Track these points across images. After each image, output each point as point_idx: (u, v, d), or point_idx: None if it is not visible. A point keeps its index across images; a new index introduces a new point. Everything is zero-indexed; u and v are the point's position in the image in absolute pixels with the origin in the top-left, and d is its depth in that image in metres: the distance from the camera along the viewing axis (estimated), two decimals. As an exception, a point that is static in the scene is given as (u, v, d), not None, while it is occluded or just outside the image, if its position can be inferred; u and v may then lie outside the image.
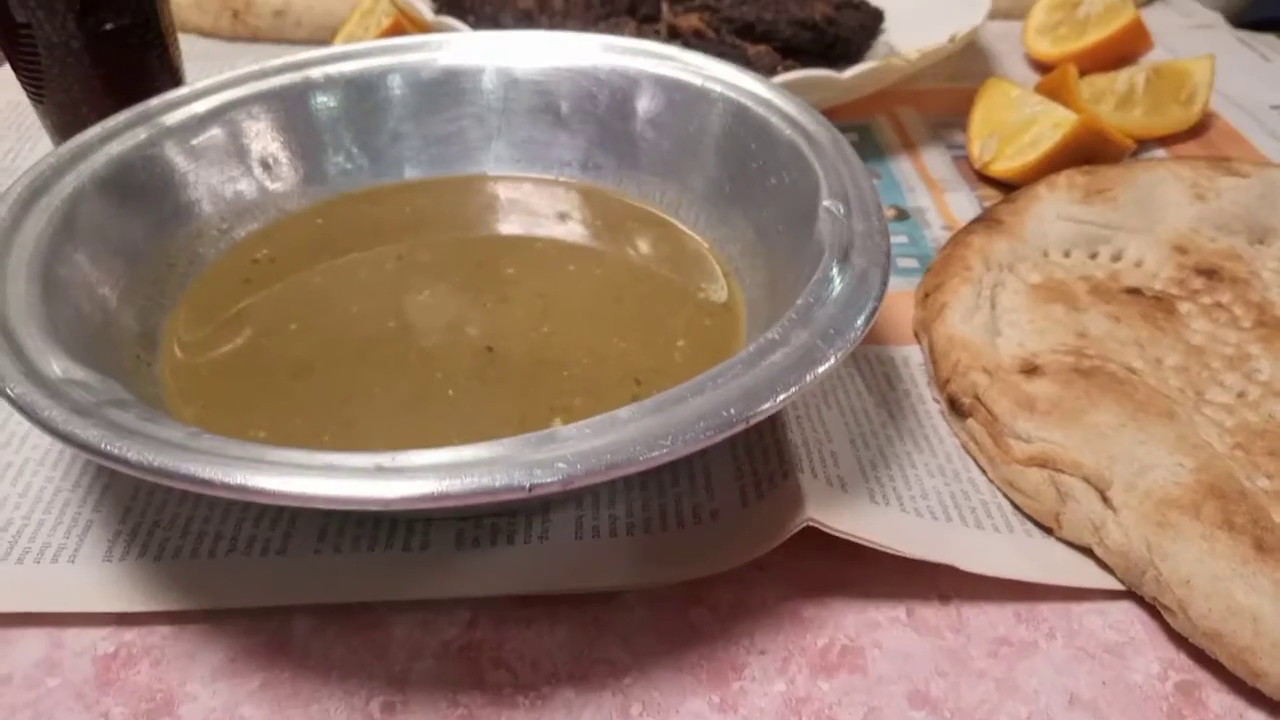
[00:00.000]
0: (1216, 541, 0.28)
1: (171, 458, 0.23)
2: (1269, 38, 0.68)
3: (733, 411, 0.25)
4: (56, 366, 0.27)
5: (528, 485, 0.23)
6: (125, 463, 0.23)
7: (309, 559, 0.30)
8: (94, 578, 0.29)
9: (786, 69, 0.51)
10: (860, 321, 0.28)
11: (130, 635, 0.28)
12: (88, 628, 0.29)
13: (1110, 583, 0.30)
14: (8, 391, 0.25)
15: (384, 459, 0.24)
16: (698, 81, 0.41)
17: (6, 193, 0.33)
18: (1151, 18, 0.69)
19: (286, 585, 0.29)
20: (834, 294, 0.29)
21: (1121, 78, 0.52)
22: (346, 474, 0.23)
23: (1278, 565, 0.28)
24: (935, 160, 0.51)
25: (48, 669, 0.28)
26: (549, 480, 0.23)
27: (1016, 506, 0.32)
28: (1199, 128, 0.54)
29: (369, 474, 0.23)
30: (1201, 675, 0.28)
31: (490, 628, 0.29)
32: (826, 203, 0.33)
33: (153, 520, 0.31)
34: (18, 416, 0.33)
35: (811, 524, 0.29)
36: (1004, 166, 0.47)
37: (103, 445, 0.23)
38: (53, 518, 0.31)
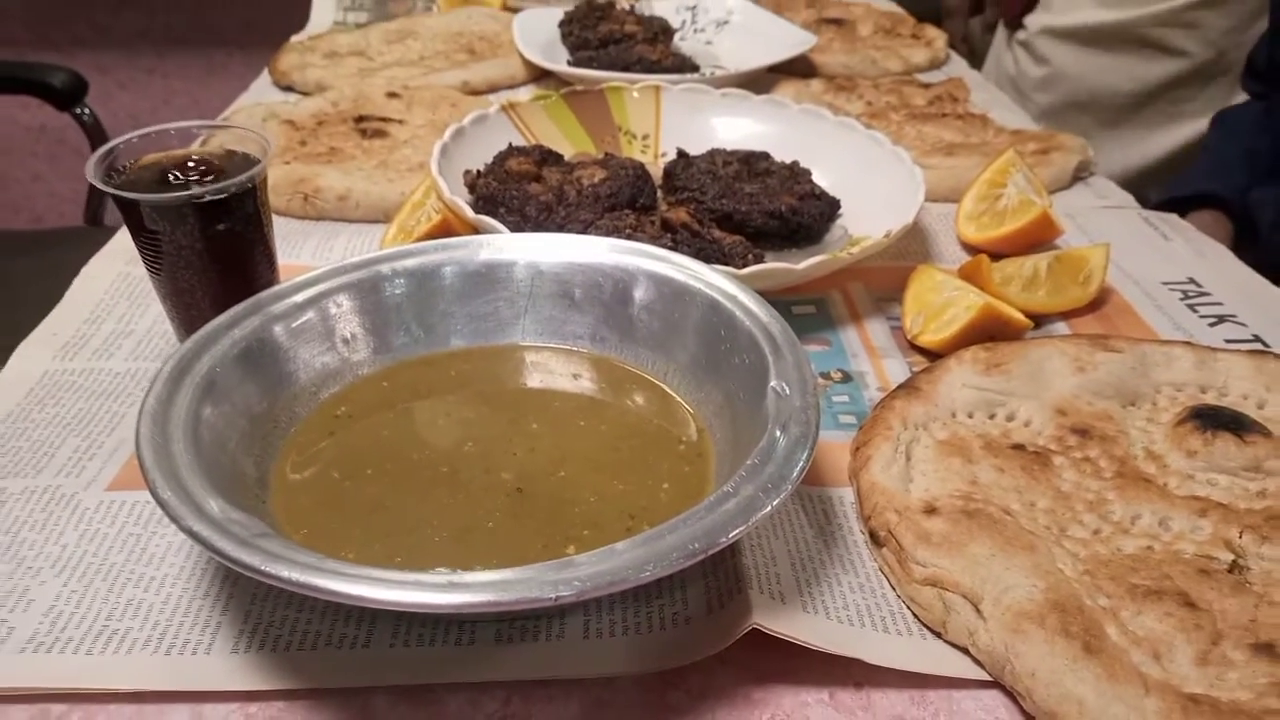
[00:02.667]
0: (1055, 645, 0.39)
1: (312, 577, 0.33)
2: (1172, 218, 0.81)
3: (697, 545, 0.36)
4: (215, 507, 0.38)
5: (554, 597, 0.33)
6: (280, 580, 0.33)
7: (385, 651, 0.40)
8: (224, 665, 0.40)
9: (756, 257, 0.64)
10: (793, 477, 0.39)
11: (254, 709, 0.39)
12: (221, 703, 0.39)
13: (981, 675, 0.40)
14: (190, 528, 0.36)
15: (452, 577, 0.34)
16: (682, 278, 0.53)
17: (160, 372, 0.44)
18: (1070, 198, 0.82)
19: (369, 671, 0.40)
20: (775, 455, 0.40)
21: (1028, 264, 0.64)
22: (429, 588, 0.33)
23: (1099, 663, 0.38)
24: (877, 330, 0.63)
25: (192, 733, 0.38)
26: (568, 594, 0.33)
27: (915, 615, 0.42)
28: (1096, 303, 0.65)
29: (443, 588, 0.34)
30: (1048, 745, 0.38)
31: (521, 703, 0.39)
32: (773, 383, 0.45)
33: (267, 621, 0.41)
34: (155, 540, 0.44)
35: (758, 627, 0.39)
36: (929, 339, 0.59)
37: (263, 567, 0.34)
38: (190, 620, 0.41)
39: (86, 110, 1.66)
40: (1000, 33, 1.60)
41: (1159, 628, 0.40)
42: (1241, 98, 1.26)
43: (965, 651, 0.41)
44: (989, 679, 0.40)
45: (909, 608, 0.43)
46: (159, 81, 2.17)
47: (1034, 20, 1.49)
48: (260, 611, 0.42)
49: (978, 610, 0.41)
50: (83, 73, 1.64)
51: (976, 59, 1.75)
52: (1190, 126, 1.40)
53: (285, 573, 0.34)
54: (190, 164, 0.54)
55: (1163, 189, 1.19)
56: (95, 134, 1.66)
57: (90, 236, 1.65)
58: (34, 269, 1.48)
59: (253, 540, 0.36)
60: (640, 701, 0.39)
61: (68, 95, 1.65)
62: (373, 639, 0.41)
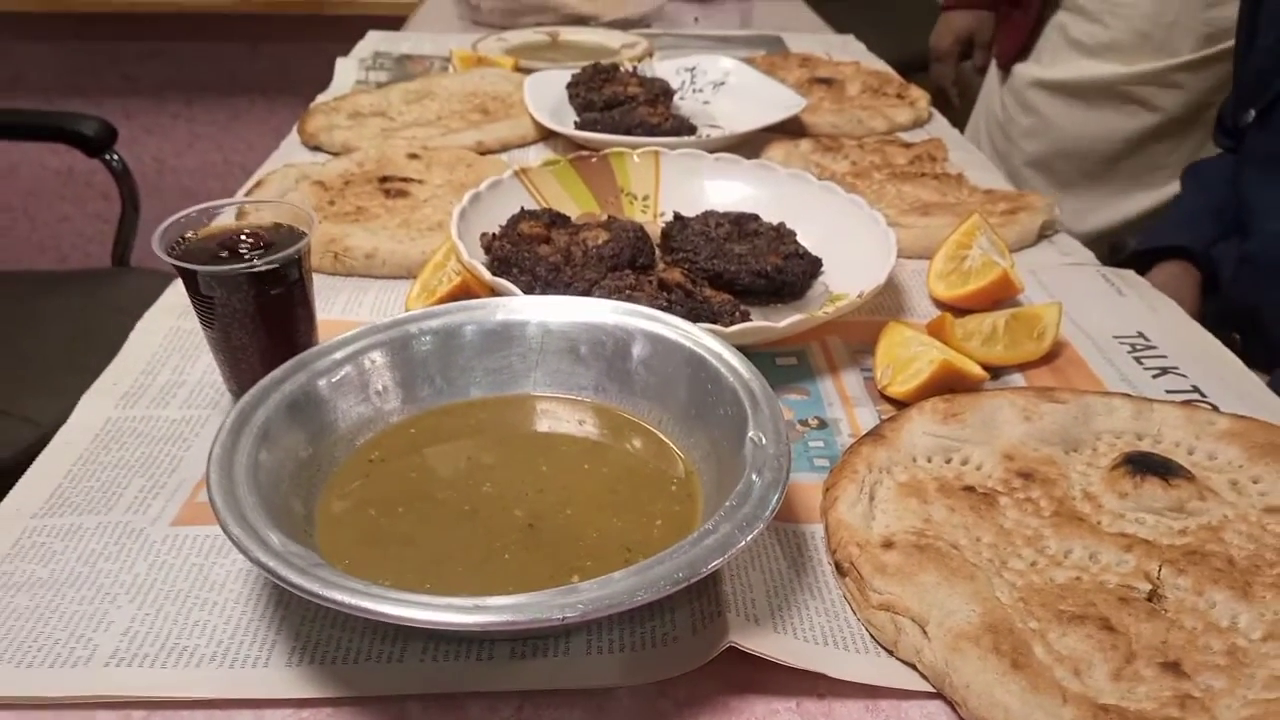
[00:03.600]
0: (987, 661, 0.45)
1: (361, 600, 0.40)
2: (1129, 274, 0.88)
3: (682, 575, 0.43)
4: (276, 541, 0.45)
5: (561, 618, 0.40)
6: (336, 603, 0.40)
7: (416, 664, 0.47)
8: (281, 676, 0.46)
9: (743, 315, 0.71)
10: (765, 516, 0.46)
11: (306, 713, 0.45)
12: (278, 709, 0.45)
13: (926, 687, 0.47)
14: (259, 560, 0.43)
15: (477, 601, 0.41)
16: (674, 337, 0.60)
17: (223, 425, 0.51)
18: (1035, 254, 0.90)
19: (402, 682, 0.46)
20: (750, 497, 0.47)
21: (988, 320, 0.71)
22: (458, 610, 0.40)
23: (1024, 677, 0.44)
24: (851, 380, 0.70)
25: (255, 734, 0.45)
26: (573, 615, 0.40)
27: (872, 636, 0.49)
28: (1051, 355, 0.72)
29: (469, 610, 0.41)
30: (982, 748, 0.45)
31: (532, 710, 0.45)
32: (751, 433, 0.52)
33: (316, 639, 0.48)
34: (216, 569, 0.51)
35: (735, 645, 0.46)
36: (897, 390, 0.66)
37: (323, 592, 0.41)
38: (249, 638, 0.48)
39: (116, 156, 1.74)
40: (992, 75, 1.68)
41: (1081, 647, 0.47)
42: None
43: (913, 667, 0.47)
44: (932, 690, 0.46)
45: (867, 629, 0.49)
46: (184, 127, 2.26)
47: (1023, 71, 1.58)
48: (310, 630, 0.49)
49: (924, 631, 0.47)
50: (110, 119, 1.73)
51: (967, 102, 1.83)
52: (1170, 182, 1.47)
53: (340, 597, 0.41)
54: (243, 236, 0.62)
55: (1136, 240, 1.27)
56: (124, 179, 1.75)
57: (117, 277, 1.74)
58: (63, 308, 1.56)
59: (310, 570, 0.43)
60: (635, 709, 0.46)
61: (98, 143, 1.73)
62: (405, 654, 0.47)
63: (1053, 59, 1.54)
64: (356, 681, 0.46)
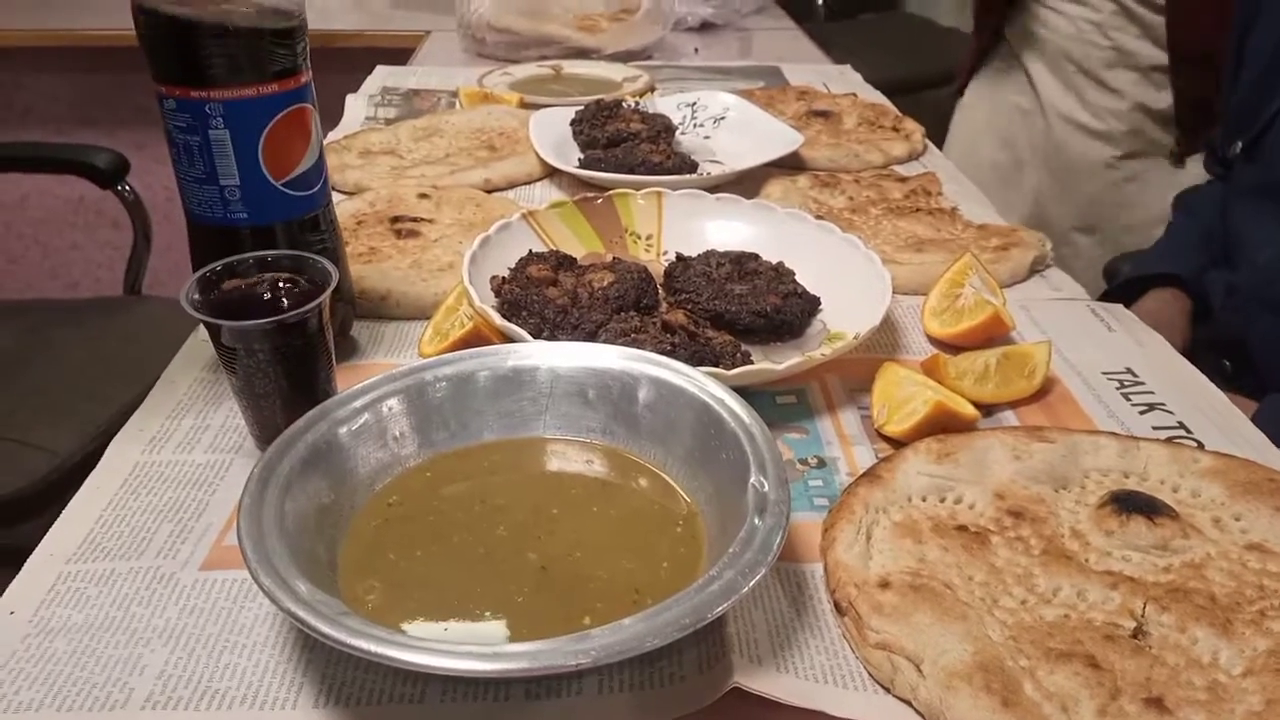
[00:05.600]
0: (979, 699, 0.48)
1: (388, 649, 0.43)
2: (1118, 308, 0.90)
3: (688, 620, 0.45)
4: (304, 589, 0.47)
5: (575, 664, 0.43)
6: (363, 652, 0.43)
7: (437, 705, 0.50)
8: (308, 718, 0.49)
9: (744, 356, 0.73)
10: (767, 561, 0.48)
11: (332, 752, 0.48)
12: (306, 748, 0.48)
13: (922, 723, 0.49)
14: (289, 610, 0.45)
15: (496, 649, 0.44)
16: (679, 382, 0.63)
17: (251, 475, 0.54)
18: (1026, 289, 0.92)
19: (424, 722, 0.49)
20: (753, 544, 0.50)
21: (980, 359, 0.73)
22: (478, 658, 0.43)
23: (1014, 714, 0.47)
24: (849, 419, 0.72)
25: (283, 773, 0.47)
26: (586, 662, 0.43)
27: (869, 674, 0.51)
28: (1041, 392, 0.75)
29: (489, 658, 0.43)
30: (975, 781, 0.47)
31: (547, 748, 0.48)
32: (753, 479, 0.54)
33: (340, 681, 0.51)
34: (244, 613, 0.53)
35: (739, 685, 0.48)
36: (893, 429, 0.69)
37: (350, 641, 0.43)
38: (278, 681, 0.51)
39: (128, 187, 1.77)
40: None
41: (1068, 685, 0.49)
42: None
43: (909, 704, 0.50)
44: (928, 727, 0.49)
45: (865, 667, 0.52)
46: (193, 156, 2.29)
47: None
48: (335, 673, 0.51)
49: (919, 670, 0.50)
50: (122, 150, 1.76)
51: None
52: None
53: (366, 645, 0.43)
54: (265, 288, 0.65)
55: (1128, 268, 1.29)
56: (136, 209, 1.78)
57: (129, 306, 1.77)
58: (76, 337, 1.59)
59: (337, 618, 0.45)
60: (644, 746, 0.48)
61: (111, 174, 1.77)
62: (426, 696, 0.50)
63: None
64: (380, 722, 0.49)
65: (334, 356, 0.68)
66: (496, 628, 0.52)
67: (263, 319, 0.61)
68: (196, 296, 0.64)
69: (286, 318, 0.62)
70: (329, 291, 0.64)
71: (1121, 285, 1.26)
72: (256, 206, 0.70)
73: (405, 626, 0.51)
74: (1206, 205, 1.29)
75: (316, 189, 0.73)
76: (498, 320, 0.73)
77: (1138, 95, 1.54)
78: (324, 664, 0.52)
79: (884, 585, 0.54)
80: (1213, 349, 1.11)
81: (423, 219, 1.00)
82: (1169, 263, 1.24)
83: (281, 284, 0.66)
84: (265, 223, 0.70)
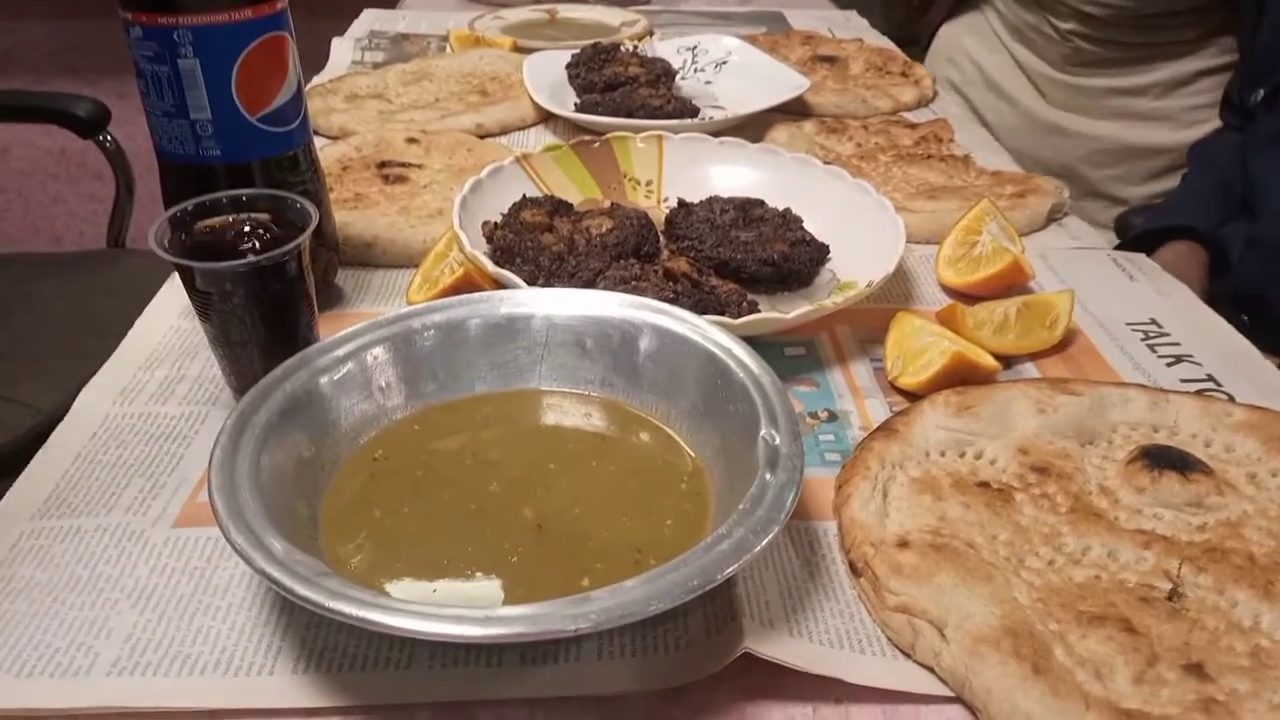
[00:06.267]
0: (1008, 665, 0.44)
1: (370, 612, 0.39)
2: (1140, 258, 0.87)
3: (695, 582, 0.42)
4: (279, 547, 0.44)
5: (574, 629, 0.39)
6: (344, 615, 0.39)
7: (425, 671, 0.46)
8: (286, 684, 0.46)
9: (750, 305, 0.69)
10: (780, 519, 0.45)
11: (313, 721, 0.45)
12: (285, 718, 0.45)
13: (945, 691, 0.46)
14: (263, 570, 0.42)
15: (488, 612, 0.40)
16: (682, 331, 0.59)
17: (224, 427, 0.50)
18: (1044, 238, 0.88)
19: (411, 689, 0.45)
20: (764, 500, 0.46)
21: (999, 309, 0.70)
22: (469, 622, 0.39)
23: (1046, 682, 0.44)
24: (861, 371, 0.69)
25: (261, 744, 0.44)
26: (585, 626, 0.39)
27: (888, 638, 0.48)
28: (1063, 344, 0.71)
29: (480, 622, 0.40)
30: (1002, 753, 0.44)
31: (544, 716, 0.45)
32: (764, 431, 0.51)
33: (322, 646, 0.47)
34: (219, 572, 0.50)
35: (749, 651, 0.45)
36: (907, 381, 0.65)
37: (328, 604, 0.40)
38: (254, 644, 0.47)
39: (109, 137, 1.72)
40: None
41: (1102, 650, 0.46)
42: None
43: (931, 671, 0.46)
44: (951, 695, 0.46)
45: (883, 631, 0.48)
46: (177, 106, 2.23)
47: None
48: (315, 637, 0.48)
49: (942, 634, 0.47)
50: (104, 99, 1.70)
51: None
52: None
53: (346, 608, 0.40)
54: (243, 229, 0.60)
55: (1143, 220, 1.25)
56: (118, 160, 1.73)
57: (113, 259, 1.72)
58: (60, 290, 1.54)
59: (315, 579, 0.41)
60: (647, 716, 0.45)
61: (91, 124, 1.71)
62: (413, 661, 0.47)
63: None
64: (364, 690, 0.45)
65: (316, 304, 0.64)
66: (489, 589, 0.48)
67: (238, 261, 0.57)
68: (168, 237, 0.60)
69: (263, 259, 0.57)
70: (309, 232, 0.59)
71: (1136, 238, 1.22)
72: (230, 142, 0.65)
73: (391, 588, 0.48)
74: (1223, 156, 1.24)
75: (295, 125, 0.68)
76: (490, 267, 0.69)
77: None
78: (303, 627, 0.48)
79: (903, 544, 0.51)
80: (1231, 303, 1.07)
81: (411, 164, 0.95)
82: (1185, 214, 1.20)
83: (259, 225, 0.61)
84: (241, 160, 0.66)
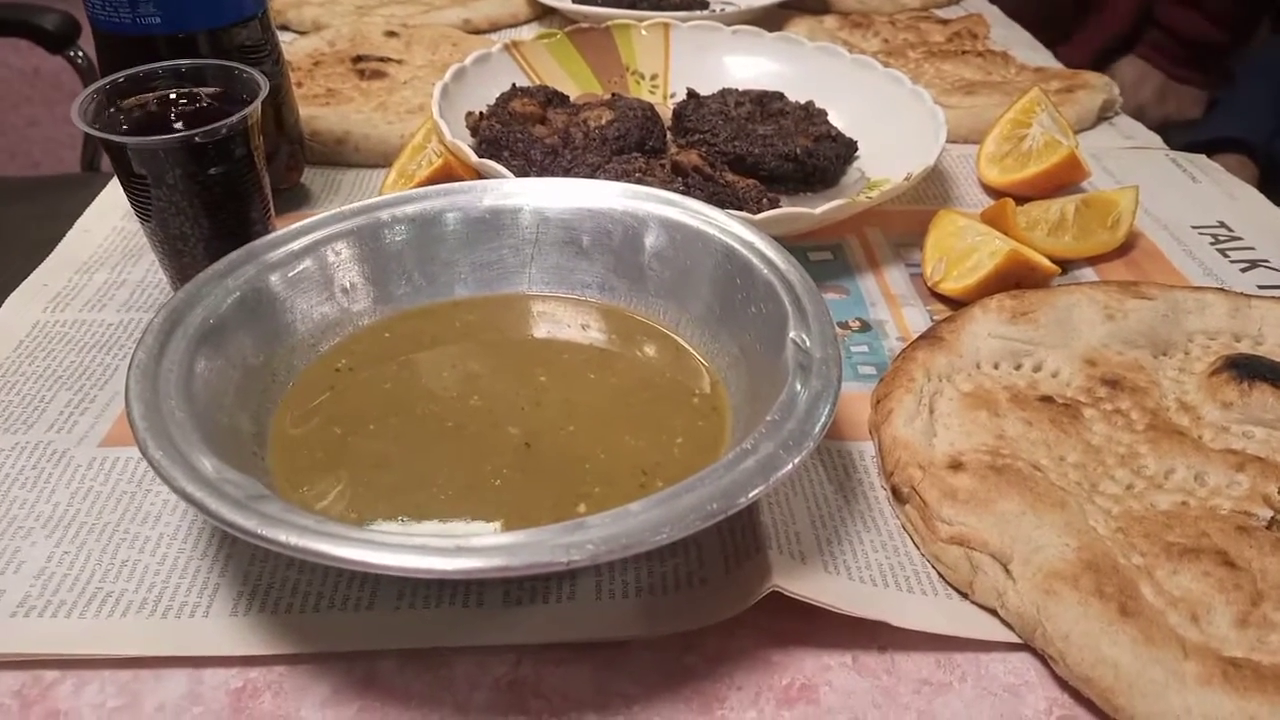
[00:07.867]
0: (1089, 606, 0.37)
1: (311, 541, 0.32)
2: (1201, 158, 0.78)
3: (714, 506, 0.34)
4: (209, 466, 0.36)
5: (566, 561, 0.32)
6: (277, 544, 0.32)
7: (390, 613, 0.39)
8: (223, 628, 0.38)
9: (771, 201, 0.61)
10: (814, 433, 0.37)
11: (254, 673, 0.37)
12: (220, 668, 0.37)
13: (1010, 637, 0.38)
14: (183, 489, 0.34)
15: (460, 541, 0.32)
16: (696, 224, 0.51)
17: (150, 325, 0.42)
18: (1094, 138, 0.79)
19: (373, 634, 0.38)
20: (795, 411, 0.38)
21: (1054, 207, 0.61)
22: (435, 553, 0.32)
23: (1135, 626, 0.36)
24: (895, 277, 0.60)
25: (192, 700, 0.36)
26: (580, 558, 0.32)
27: (940, 575, 0.41)
28: (1124, 248, 0.63)
29: (450, 554, 0.32)
30: (1079, 711, 0.36)
31: (531, 667, 0.37)
32: (793, 334, 0.43)
33: (267, 583, 0.40)
34: (150, 499, 0.42)
35: (777, 589, 0.38)
36: (951, 286, 0.57)
37: (260, 531, 0.32)
38: (187, 581, 0.40)
39: (80, 53, 1.62)
40: None
41: (1196, 588, 0.38)
42: None
43: (993, 613, 0.39)
44: (1018, 642, 0.38)
45: (934, 567, 0.41)
46: (152, 23, 2.11)
47: None
48: (260, 573, 0.40)
49: (1006, 570, 0.39)
50: (73, 11, 1.60)
51: None
52: None
53: (284, 537, 0.32)
54: (182, 103, 0.52)
55: (1186, 132, 1.16)
56: (89, 76, 1.63)
57: (87, 183, 1.62)
58: (30, 215, 1.46)
59: (249, 502, 0.34)
60: (655, 665, 0.37)
61: (59, 37, 1.61)
62: (377, 600, 0.39)
63: None
64: (317, 634, 0.38)
65: (270, 195, 0.56)
66: (467, 516, 0.41)
67: (172, 135, 0.49)
68: (93, 111, 0.51)
69: (200, 131, 0.49)
70: (257, 103, 0.51)
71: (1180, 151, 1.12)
72: (171, 7, 0.56)
73: (354, 515, 0.40)
74: (1277, 66, 1.14)
75: (247, -12, 0.59)
76: (473, 158, 0.60)
77: None
78: (246, 561, 0.41)
79: (955, 467, 0.43)
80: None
81: (390, 59, 0.86)
82: (1235, 125, 1.10)
83: (203, 99, 0.53)
84: (184, 29, 0.57)
